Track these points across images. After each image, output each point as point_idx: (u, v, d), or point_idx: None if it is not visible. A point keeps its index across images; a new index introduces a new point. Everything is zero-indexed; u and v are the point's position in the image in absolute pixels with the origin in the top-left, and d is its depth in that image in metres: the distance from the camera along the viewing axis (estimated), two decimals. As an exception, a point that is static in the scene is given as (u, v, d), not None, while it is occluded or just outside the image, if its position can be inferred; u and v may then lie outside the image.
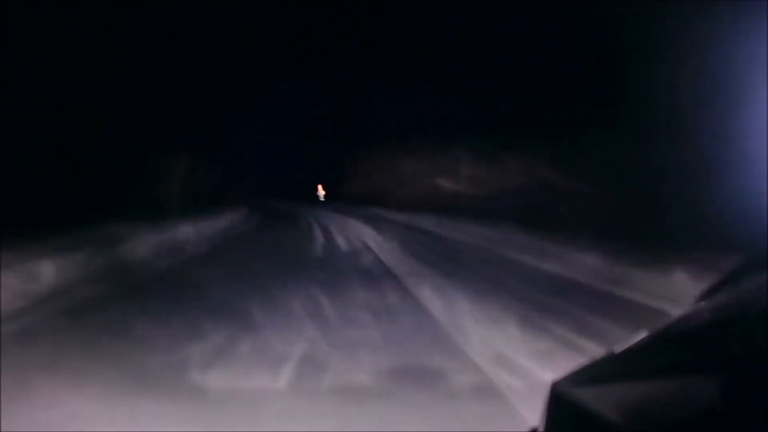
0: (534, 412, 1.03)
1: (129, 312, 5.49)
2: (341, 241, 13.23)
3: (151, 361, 4.01)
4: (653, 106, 11.04)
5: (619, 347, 0.90)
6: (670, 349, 0.81)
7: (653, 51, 10.49)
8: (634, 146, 11.88)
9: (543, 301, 6.17)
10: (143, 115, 13.74)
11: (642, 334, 0.87)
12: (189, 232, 12.78)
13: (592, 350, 4.20)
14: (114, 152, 12.36)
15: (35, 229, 7.93)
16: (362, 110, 26.74)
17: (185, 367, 3.89)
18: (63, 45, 9.94)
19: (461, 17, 16.62)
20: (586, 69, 13.01)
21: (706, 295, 0.85)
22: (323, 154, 34.92)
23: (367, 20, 20.99)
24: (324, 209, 29.90)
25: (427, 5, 18.03)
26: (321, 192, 43.35)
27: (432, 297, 6.37)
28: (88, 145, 11.56)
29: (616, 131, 12.19)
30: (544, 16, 13.40)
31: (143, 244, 9.70)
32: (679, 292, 5.88)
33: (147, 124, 14.02)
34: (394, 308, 5.86)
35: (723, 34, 8.18)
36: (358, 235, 15.03)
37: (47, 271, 6.51)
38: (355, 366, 3.95)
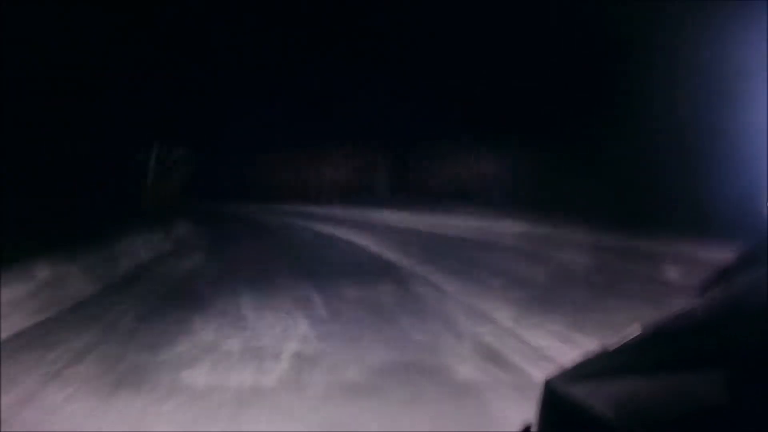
0: (528, 409, 1.03)
1: (118, 309, 5.45)
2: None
3: (139, 358, 3.99)
4: (653, 106, 11.10)
5: (613, 343, 0.89)
6: (664, 345, 0.81)
7: (652, 50, 10.54)
8: (634, 146, 11.94)
9: (537, 295, 6.17)
10: (131, 115, 13.64)
11: (635, 331, 0.87)
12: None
13: (587, 345, 4.21)
14: (104, 149, 12.25)
15: (27, 228, 7.83)
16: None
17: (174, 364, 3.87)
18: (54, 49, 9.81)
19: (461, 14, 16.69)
20: (585, 69, 13.06)
21: (701, 291, 0.85)
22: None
23: (357, 22, 20.93)
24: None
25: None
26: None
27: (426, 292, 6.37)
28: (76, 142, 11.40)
29: (616, 131, 12.25)
30: (546, 15, 13.45)
31: (136, 242, 9.61)
32: (674, 289, 5.92)
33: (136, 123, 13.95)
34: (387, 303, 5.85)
35: (723, 34, 8.23)
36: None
37: (39, 269, 6.43)
38: (347, 363, 3.94)
